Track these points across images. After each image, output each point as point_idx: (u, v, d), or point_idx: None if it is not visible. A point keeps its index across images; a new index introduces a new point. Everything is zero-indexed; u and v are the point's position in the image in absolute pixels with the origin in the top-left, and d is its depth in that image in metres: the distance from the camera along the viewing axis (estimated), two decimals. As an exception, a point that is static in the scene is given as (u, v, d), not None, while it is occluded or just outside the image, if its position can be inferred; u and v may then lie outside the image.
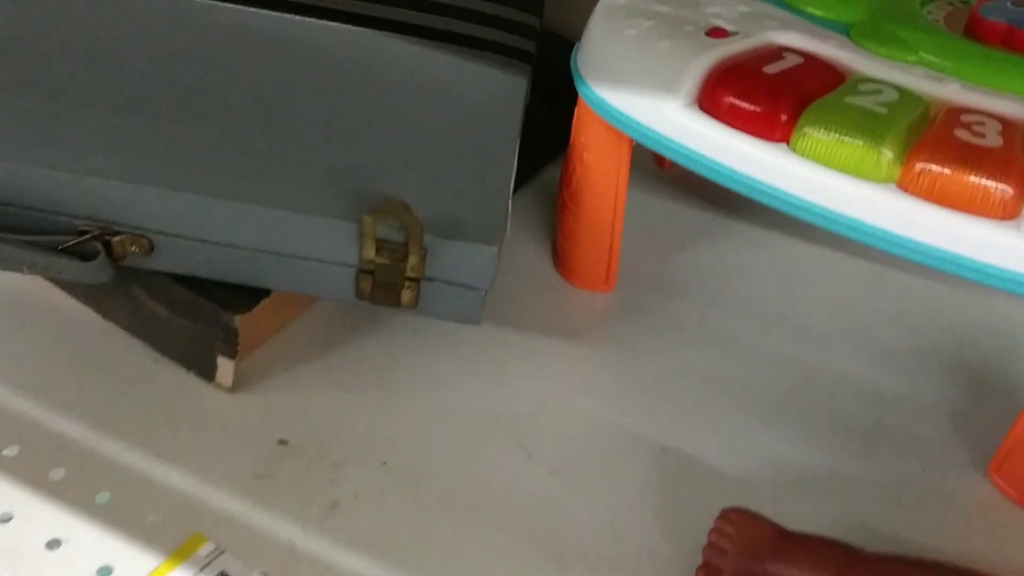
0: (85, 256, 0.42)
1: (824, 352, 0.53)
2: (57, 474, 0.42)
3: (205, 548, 0.40)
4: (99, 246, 0.42)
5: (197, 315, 0.45)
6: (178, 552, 0.39)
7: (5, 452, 0.42)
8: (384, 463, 0.44)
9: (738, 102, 0.42)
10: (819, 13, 0.48)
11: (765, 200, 0.43)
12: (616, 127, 0.46)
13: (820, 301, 0.56)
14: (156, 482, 0.42)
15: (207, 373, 0.47)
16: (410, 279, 0.43)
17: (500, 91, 0.51)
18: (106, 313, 0.49)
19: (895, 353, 0.53)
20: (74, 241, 0.42)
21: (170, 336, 0.47)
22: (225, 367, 0.46)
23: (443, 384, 0.48)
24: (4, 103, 0.44)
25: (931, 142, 0.40)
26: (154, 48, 0.49)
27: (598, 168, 0.50)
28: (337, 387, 0.47)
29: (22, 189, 0.42)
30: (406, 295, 0.43)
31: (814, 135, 0.40)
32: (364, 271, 0.43)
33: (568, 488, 0.44)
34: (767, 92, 0.42)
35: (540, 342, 0.51)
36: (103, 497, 0.41)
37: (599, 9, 0.49)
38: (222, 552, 0.40)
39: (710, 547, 0.38)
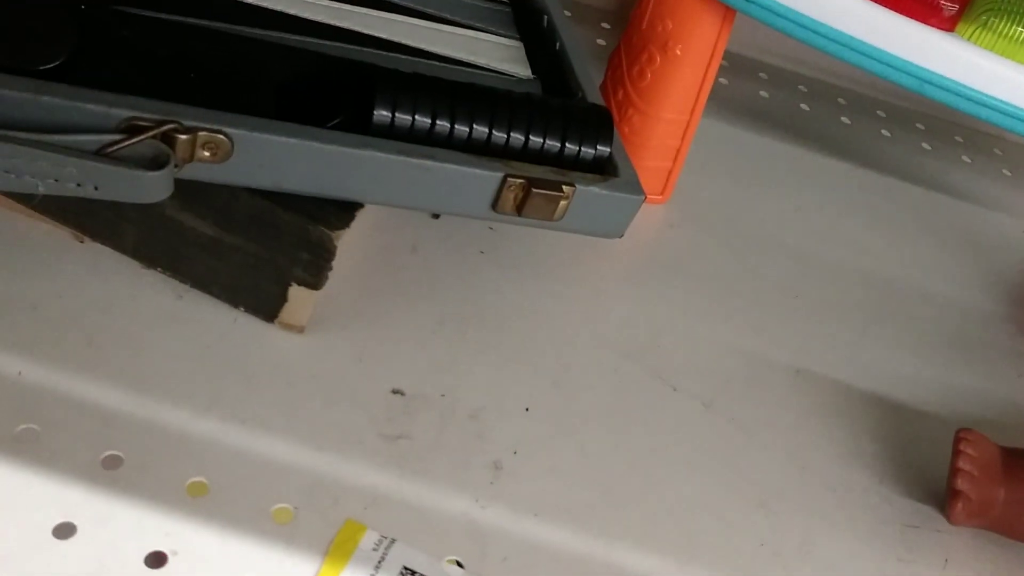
0: (141, 164, 0.29)
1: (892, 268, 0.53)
2: (110, 459, 0.30)
3: (368, 539, 0.30)
4: (163, 147, 0.29)
5: (267, 233, 0.34)
6: (337, 548, 0.29)
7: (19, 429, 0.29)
8: (527, 409, 0.36)
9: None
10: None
11: (925, 89, 0.40)
12: (755, 16, 0.41)
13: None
14: (259, 457, 0.31)
15: (267, 310, 0.35)
16: (567, 184, 0.35)
17: None
18: (96, 233, 0.35)
19: (942, 265, 0.54)
20: (126, 141, 0.29)
21: (212, 262, 0.35)
22: (301, 301, 0.35)
23: (543, 316, 0.41)
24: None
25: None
26: None
27: (686, 61, 0.44)
28: (427, 322, 0.38)
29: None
30: (562, 204, 0.35)
31: (991, 23, 0.38)
32: (513, 176, 0.34)
33: (728, 421, 0.39)
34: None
35: (614, 261, 0.45)
36: (197, 486, 0.30)
37: None
38: (392, 541, 0.30)
39: (960, 474, 0.35)
